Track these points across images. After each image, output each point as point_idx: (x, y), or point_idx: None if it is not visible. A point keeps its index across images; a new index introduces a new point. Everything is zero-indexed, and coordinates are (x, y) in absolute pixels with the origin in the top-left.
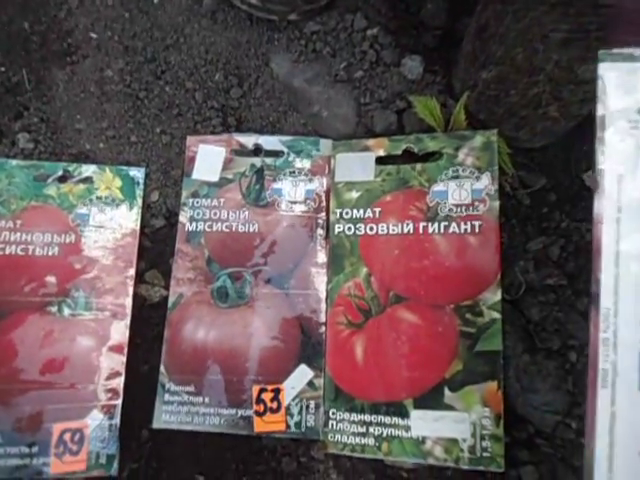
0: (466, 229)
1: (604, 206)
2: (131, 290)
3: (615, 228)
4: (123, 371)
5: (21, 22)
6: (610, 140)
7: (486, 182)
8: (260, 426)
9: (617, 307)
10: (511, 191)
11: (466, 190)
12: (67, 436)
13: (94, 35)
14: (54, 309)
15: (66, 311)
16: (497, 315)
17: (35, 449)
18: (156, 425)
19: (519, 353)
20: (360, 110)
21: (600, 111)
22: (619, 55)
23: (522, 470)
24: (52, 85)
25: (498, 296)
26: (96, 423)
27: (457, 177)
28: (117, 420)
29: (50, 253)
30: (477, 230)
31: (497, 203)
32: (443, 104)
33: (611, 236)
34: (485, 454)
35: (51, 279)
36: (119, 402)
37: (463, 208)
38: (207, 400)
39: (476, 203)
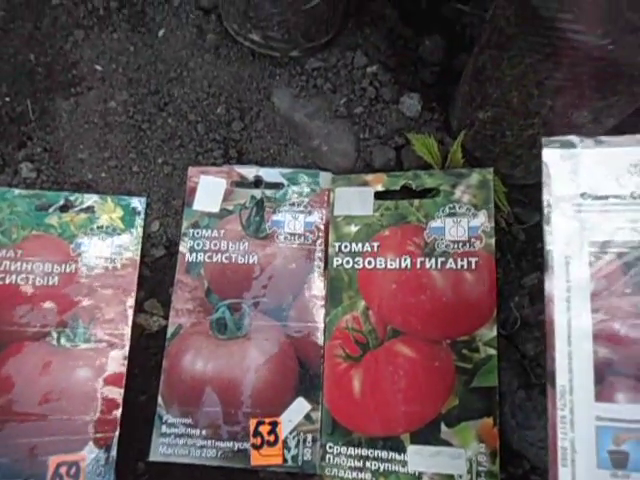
0: (462, 265)
1: (554, 286)
2: (130, 320)
3: (566, 307)
4: (120, 402)
5: (27, 54)
6: (556, 222)
7: (482, 219)
8: (257, 459)
9: (572, 384)
10: (506, 227)
11: (463, 227)
12: (63, 469)
13: (99, 67)
14: (53, 340)
15: (64, 341)
16: (493, 351)
17: None
18: (153, 458)
19: (514, 389)
20: (359, 145)
21: (546, 195)
22: (560, 142)
23: None
24: (56, 115)
25: (494, 332)
26: (92, 456)
27: (454, 214)
28: (114, 452)
29: (50, 283)
30: (473, 266)
31: (493, 240)
32: (440, 141)
33: (563, 315)
34: None
35: (50, 309)
36: (116, 434)
37: (460, 244)
38: (204, 432)
39: (472, 240)
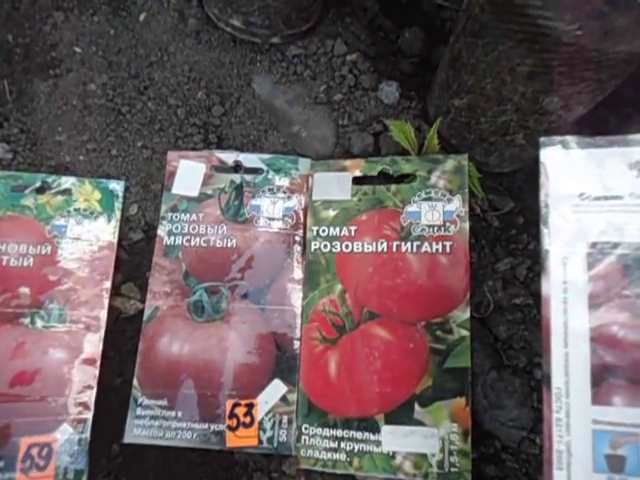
0: (437, 249)
1: (551, 286)
2: (106, 303)
3: (563, 308)
4: (95, 384)
5: (5, 34)
6: (554, 223)
7: (457, 204)
8: (232, 441)
9: (568, 387)
10: (481, 213)
11: (438, 211)
12: (34, 451)
13: (78, 49)
14: (26, 321)
15: (39, 323)
16: (466, 333)
17: (0, 464)
18: (127, 440)
19: (487, 370)
20: (338, 131)
21: (543, 195)
22: (557, 142)
23: None
24: (34, 97)
25: (467, 314)
26: (65, 437)
27: (430, 199)
28: (87, 434)
29: (25, 264)
30: (448, 250)
31: (467, 224)
32: (417, 128)
33: (559, 316)
34: (453, 469)
35: (24, 290)
36: (90, 416)
37: (435, 228)
38: (180, 414)
39: (447, 224)
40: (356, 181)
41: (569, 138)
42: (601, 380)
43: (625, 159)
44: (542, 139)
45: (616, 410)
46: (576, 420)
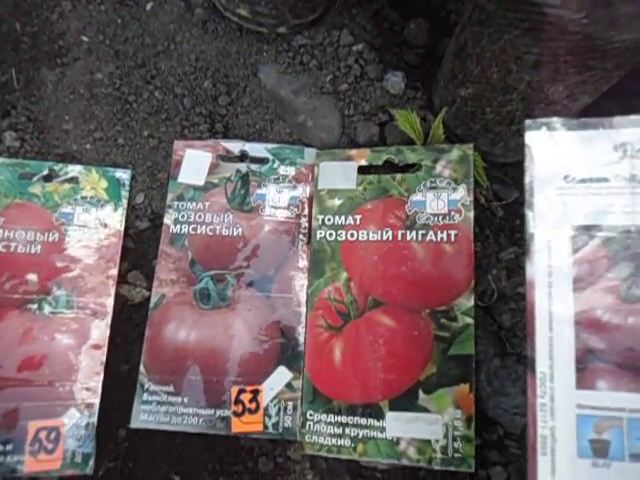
0: (442, 237)
1: (535, 270)
2: (113, 290)
3: (547, 292)
4: (102, 370)
5: (12, 23)
6: (539, 206)
7: (462, 193)
8: (238, 426)
9: (552, 371)
10: (486, 203)
11: (443, 200)
12: (43, 434)
13: (85, 38)
14: (34, 307)
15: (46, 309)
16: (470, 320)
17: (9, 447)
18: (134, 424)
19: (490, 357)
20: (344, 121)
21: (528, 178)
22: (542, 124)
23: (492, 471)
24: (41, 85)
25: (472, 302)
26: (73, 421)
27: (435, 188)
28: (94, 419)
29: (32, 251)
30: (453, 239)
31: (472, 214)
32: (423, 118)
33: (544, 300)
34: (457, 455)
35: (32, 277)
36: (97, 401)
37: (440, 217)
38: (186, 400)
39: (452, 213)
40: (361, 170)
41: (554, 120)
42: (585, 364)
43: (611, 141)
44: (527, 121)
45: (600, 394)
46: (560, 405)
